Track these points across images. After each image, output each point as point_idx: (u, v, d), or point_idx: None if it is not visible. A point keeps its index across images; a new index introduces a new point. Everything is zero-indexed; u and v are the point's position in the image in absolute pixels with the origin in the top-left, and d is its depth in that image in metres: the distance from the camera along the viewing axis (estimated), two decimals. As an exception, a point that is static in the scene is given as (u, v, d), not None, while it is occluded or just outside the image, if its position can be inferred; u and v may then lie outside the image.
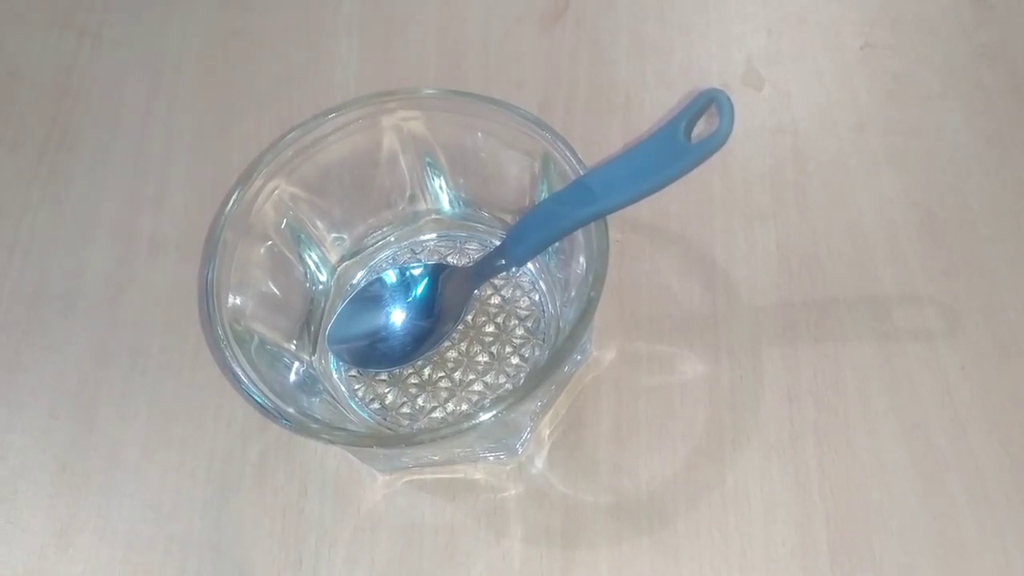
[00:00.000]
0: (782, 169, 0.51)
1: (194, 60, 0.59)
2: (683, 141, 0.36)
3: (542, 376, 0.36)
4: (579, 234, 0.40)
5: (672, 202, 0.50)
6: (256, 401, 0.38)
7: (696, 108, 0.36)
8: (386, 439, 0.39)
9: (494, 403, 0.36)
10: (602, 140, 0.53)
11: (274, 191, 0.43)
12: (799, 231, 0.49)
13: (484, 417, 0.36)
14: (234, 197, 0.42)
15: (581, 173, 0.40)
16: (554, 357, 0.37)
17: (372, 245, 0.49)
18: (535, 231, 0.40)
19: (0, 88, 0.58)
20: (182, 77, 0.58)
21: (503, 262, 0.43)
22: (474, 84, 0.55)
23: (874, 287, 0.48)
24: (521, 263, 0.43)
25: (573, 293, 0.41)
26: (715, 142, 0.34)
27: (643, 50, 0.56)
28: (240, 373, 0.39)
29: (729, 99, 0.34)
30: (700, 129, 0.36)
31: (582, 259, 0.40)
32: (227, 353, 0.39)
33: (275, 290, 0.45)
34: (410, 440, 0.37)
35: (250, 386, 0.38)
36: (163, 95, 0.57)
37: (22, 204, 0.54)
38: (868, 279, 0.48)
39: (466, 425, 0.36)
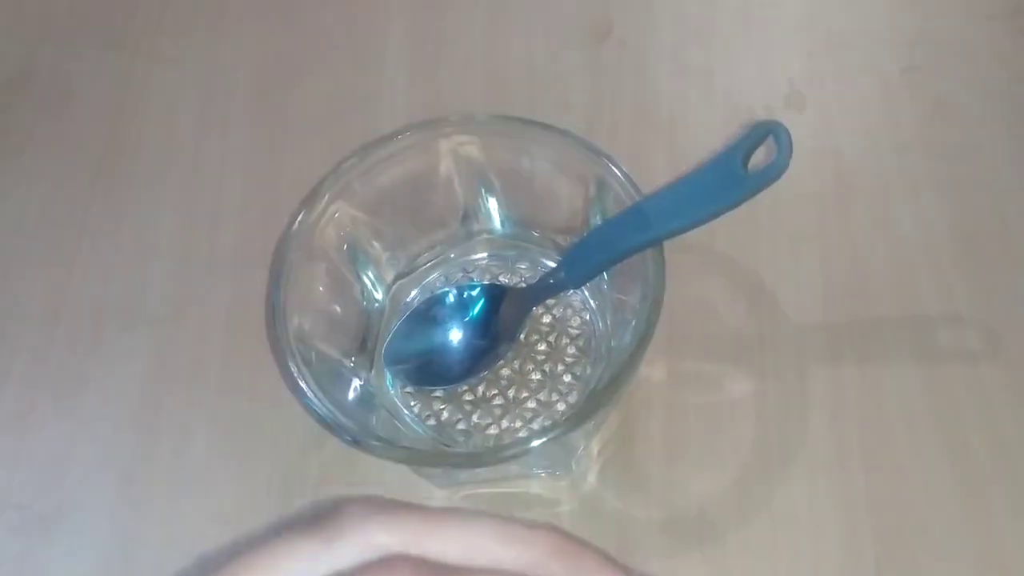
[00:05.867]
0: (825, 191, 0.52)
1: (245, 82, 0.60)
2: (740, 171, 0.37)
3: (603, 398, 0.38)
4: (635, 257, 0.41)
5: (719, 223, 0.50)
6: (322, 418, 0.39)
7: (754, 139, 0.37)
8: (449, 458, 0.40)
9: (555, 425, 0.37)
10: (647, 161, 0.54)
11: (335, 213, 0.45)
12: (842, 252, 0.51)
13: (545, 438, 0.37)
14: (299, 219, 0.43)
15: (637, 199, 0.41)
16: (614, 380, 0.38)
17: (425, 264, 0.50)
18: (592, 255, 0.42)
19: (56, 108, 0.60)
20: (234, 100, 0.59)
21: (560, 284, 0.44)
22: (521, 106, 0.56)
23: (917, 308, 0.49)
24: (578, 285, 0.44)
25: (629, 316, 0.42)
26: (772, 173, 0.36)
27: (686, 72, 0.58)
28: (306, 389, 0.40)
29: (788, 132, 0.35)
30: (756, 159, 0.38)
31: (638, 282, 0.41)
32: (294, 369, 0.40)
33: (335, 308, 0.46)
34: (476, 460, 0.38)
35: (315, 402, 0.40)
36: (215, 117, 0.59)
37: (80, 223, 0.55)
38: (911, 300, 0.49)
39: (528, 446, 0.37)
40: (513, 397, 0.46)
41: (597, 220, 0.45)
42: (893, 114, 0.55)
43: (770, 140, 0.37)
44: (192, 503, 0.46)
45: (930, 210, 0.52)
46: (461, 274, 0.50)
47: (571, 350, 0.47)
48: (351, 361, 0.46)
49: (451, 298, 0.48)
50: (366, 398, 0.46)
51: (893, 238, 0.51)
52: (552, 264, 0.48)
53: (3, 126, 0.59)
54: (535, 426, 0.45)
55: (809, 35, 0.59)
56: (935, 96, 0.56)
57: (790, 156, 0.35)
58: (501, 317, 0.47)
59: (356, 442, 0.39)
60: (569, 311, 0.48)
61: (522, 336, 0.48)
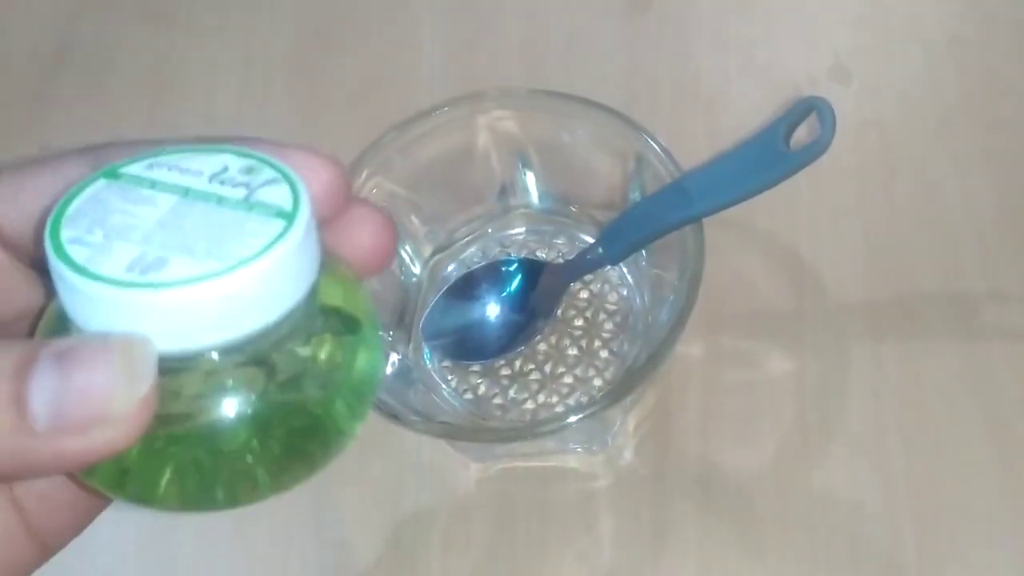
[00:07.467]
0: (869, 164, 0.52)
1: (284, 56, 0.60)
2: (782, 147, 0.37)
3: (641, 375, 0.38)
4: (674, 233, 0.41)
5: (758, 198, 0.50)
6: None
7: (796, 115, 0.36)
8: (487, 433, 0.40)
9: (592, 401, 0.37)
10: (687, 134, 0.53)
11: (374, 189, 0.44)
12: (886, 227, 0.50)
13: (582, 414, 0.37)
14: (337, 195, 0.43)
15: (677, 176, 0.41)
16: (652, 357, 0.38)
17: (462, 239, 0.50)
18: (631, 231, 0.41)
19: (94, 79, 0.60)
20: (272, 73, 0.59)
21: (598, 260, 0.44)
22: (559, 80, 0.56)
23: (961, 285, 0.48)
24: (616, 261, 0.44)
25: (667, 293, 0.42)
26: (815, 150, 0.35)
27: (728, 44, 0.57)
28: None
29: (831, 108, 0.35)
30: (799, 136, 0.37)
31: (676, 258, 0.41)
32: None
33: (373, 283, 0.46)
34: (513, 435, 0.38)
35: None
36: (255, 87, 0.59)
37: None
38: (955, 276, 0.48)
39: (565, 422, 0.37)
40: (550, 372, 0.46)
41: (636, 196, 0.44)
42: (939, 86, 0.54)
43: (813, 116, 0.36)
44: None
45: (975, 185, 0.51)
46: (499, 249, 0.50)
47: (608, 326, 0.47)
48: (389, 335, 0.46)
49: (488, 273, 0.48)
50: (404, 372, 0.46)
51: (937, 213, 0.50)
52: (590, 240, 0.47)
53: (43, 99, 0.60)
54: (571, 402, 0.45)
55: (854, 5, 0.58)
56: (982, 68, 0.54)
57: (833, 133, 0.34)
58: (538, 292, 0.46)
59: (394, 416, 0.39)
60: (607, 287, 0.48)
61: (559, 312, 0.48)
